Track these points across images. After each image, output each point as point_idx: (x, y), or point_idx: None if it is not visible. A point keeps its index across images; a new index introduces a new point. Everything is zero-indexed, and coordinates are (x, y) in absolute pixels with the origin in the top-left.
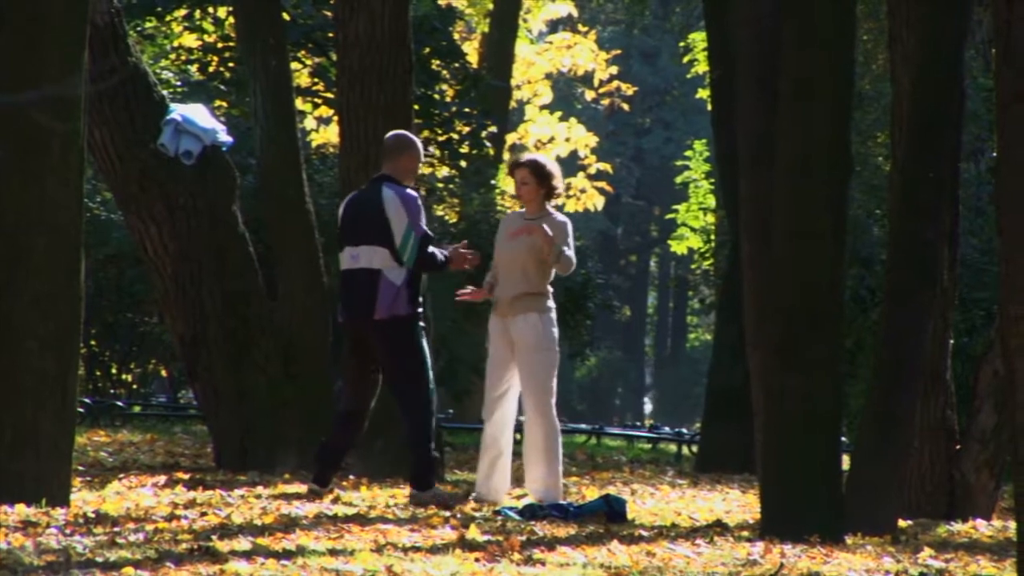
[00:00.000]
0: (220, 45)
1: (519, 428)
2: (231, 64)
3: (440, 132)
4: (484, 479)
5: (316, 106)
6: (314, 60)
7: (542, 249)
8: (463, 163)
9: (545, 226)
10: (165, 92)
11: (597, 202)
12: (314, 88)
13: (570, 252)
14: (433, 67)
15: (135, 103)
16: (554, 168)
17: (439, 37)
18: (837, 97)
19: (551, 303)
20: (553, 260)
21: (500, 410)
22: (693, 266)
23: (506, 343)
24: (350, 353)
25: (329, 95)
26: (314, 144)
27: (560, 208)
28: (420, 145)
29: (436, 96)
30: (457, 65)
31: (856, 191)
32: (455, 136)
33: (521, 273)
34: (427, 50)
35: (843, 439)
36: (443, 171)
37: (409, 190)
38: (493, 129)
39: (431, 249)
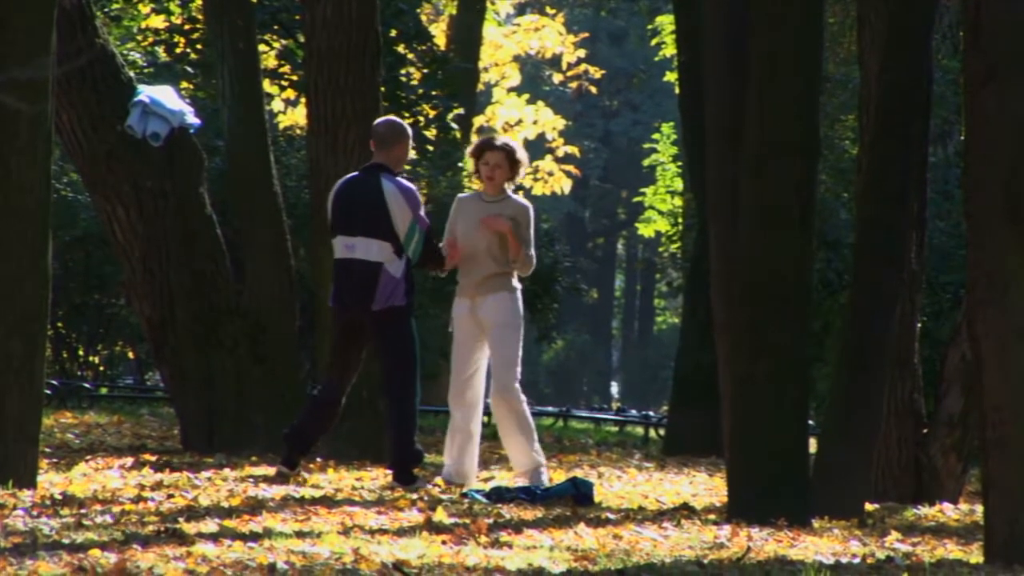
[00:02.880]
0: (187, 27)
1: (487, 411)
2: (198, 46)
3: (406, 115)
4: (453, 462)
5: (283, 88)
6: (281, 42)
7: (509, 245)
8: (429, 147)
9: (508, 219)
10: (132, 74)
11: (564, 185)
12: (280, 70)
13: (531, 251)
14: (399, 50)
15: (102, 85)
16: (524, 156)
17: (405, 19)
18: (805, 80)
19: (517, 282)
20: (517, 261)
21: (468, 393)
22: (661, 249)
23: (473, 324)
24: (339, 342)
25: (295, 77)
26: (281, 126)
27: (528, 191)
28: (410, 132)
29: (403, 78)
30: (424, 47)
31: (824, 174)
32: (421, 119)
33: (487, 254)
34: (393, 32)
35: (810, 423)
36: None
37: (408, 182)
38: (460, 111)
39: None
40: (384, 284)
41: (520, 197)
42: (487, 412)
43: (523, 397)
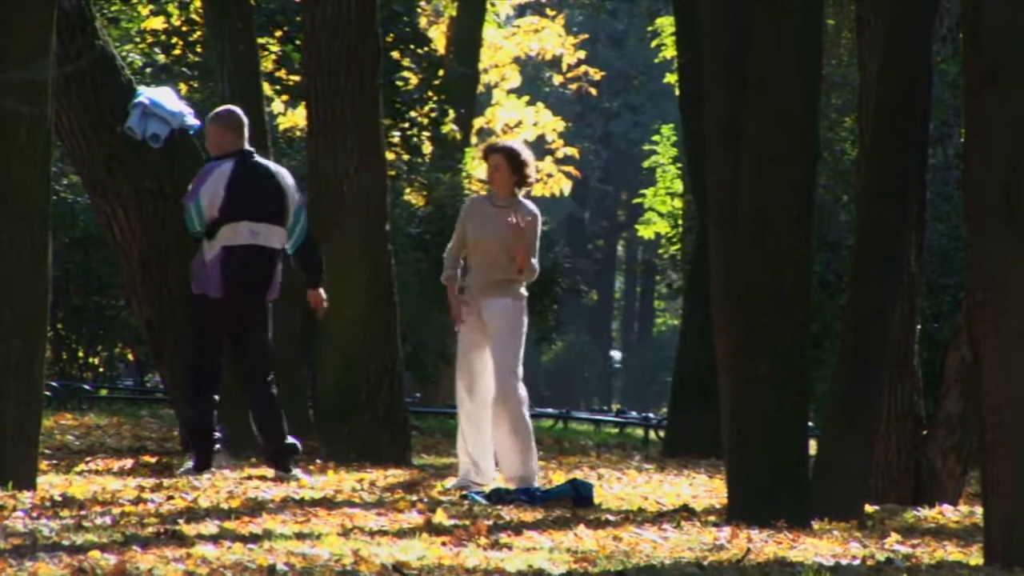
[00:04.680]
0: (185, 29)
1: None
2: (197, 48)
3: (401, 120)
4: (469, 464)
5: (279, 93)
6: (279, 47)
7: (514, 247)
8: (426, 151)
9: (520, 218)
10: (131, 75)
11: (564, 186)
12: (276, 74)
13: (534, 260)
14: (394, 56)
15: (102, 86)
16: (529, 157)
17: (399, 22)
18: (804, 81)
19: (524, 290)
20: (525, 269)
21: (475, 395)
22: (660, 251)
23: (478, 327)
24: (214, 334)
25: (291, 81)
26: (281, 127)
27: (528, 192)
28: None
29: (399, 83)
30: (421, 51)
31: (823, 176)
32: (414, 129)
33: (494, 260)
34: (390, 38)
35: (810, 424)
36: (407, 156)
37: None
38: (453, 115)
39: None
40: (277, 273)
41: (530, 204)
42: None
43: (525, 404)
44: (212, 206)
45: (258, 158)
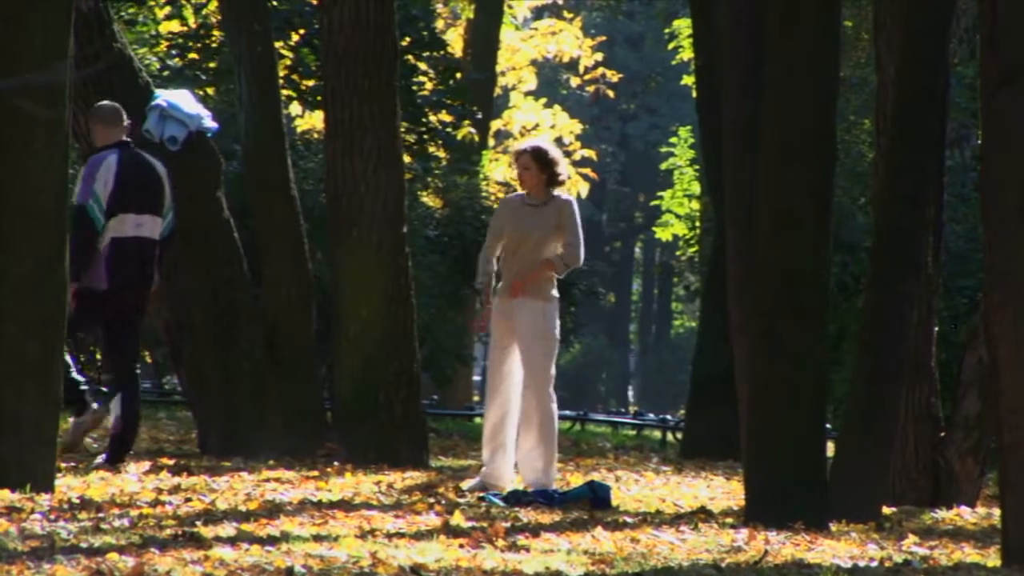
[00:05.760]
0: (201, 32)
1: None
2: (214, 53)
3: (417, 125)
4: (488, 466)
5: (291, 100)
6: (292, 53)
7: (550, 252)
8: (441, 155)
9: (553, 226)
10: (148, 78)
11: (581, 189)
12: (292, 77)
13: (576, 247)
14: (409, 60)
15: (120, 89)
16: (557, 154)
17: (418, 26)
18: (821, 82)
19: (555, 292)
20: (563, 269)
21: (502, 396)
22: (678, 252)
23: (507, 327)
24: (102, 316)
25: (305, 85)
26: (299, 130)
27: None
28: None
29: (415, 87)
30: (438, 55)
31: (840, 178)
32: (430, 132)
33: (528, 260)
34: (406, 40)
35: (827, 426)
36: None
37: None
38: (469, 123)
39: None
40: (156, 262)
41: (563, 194)
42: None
43: (556, 412)
44: (104, 199)
45: (137, 149)
